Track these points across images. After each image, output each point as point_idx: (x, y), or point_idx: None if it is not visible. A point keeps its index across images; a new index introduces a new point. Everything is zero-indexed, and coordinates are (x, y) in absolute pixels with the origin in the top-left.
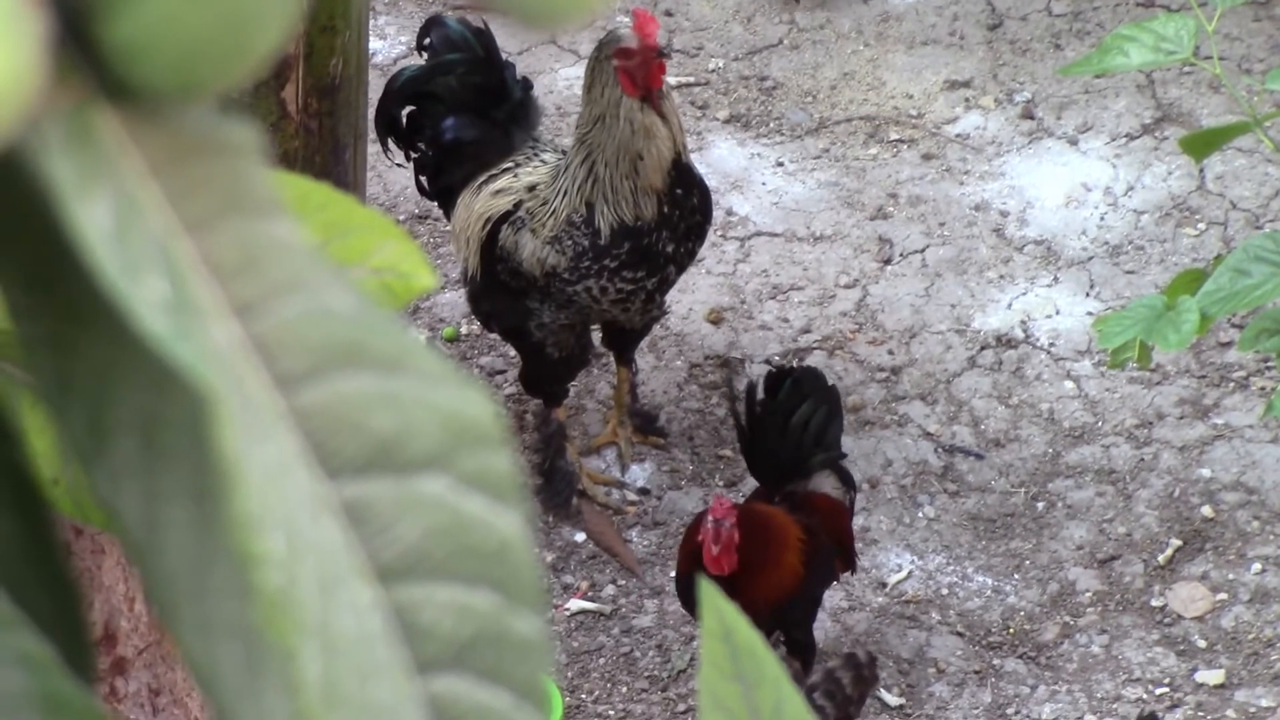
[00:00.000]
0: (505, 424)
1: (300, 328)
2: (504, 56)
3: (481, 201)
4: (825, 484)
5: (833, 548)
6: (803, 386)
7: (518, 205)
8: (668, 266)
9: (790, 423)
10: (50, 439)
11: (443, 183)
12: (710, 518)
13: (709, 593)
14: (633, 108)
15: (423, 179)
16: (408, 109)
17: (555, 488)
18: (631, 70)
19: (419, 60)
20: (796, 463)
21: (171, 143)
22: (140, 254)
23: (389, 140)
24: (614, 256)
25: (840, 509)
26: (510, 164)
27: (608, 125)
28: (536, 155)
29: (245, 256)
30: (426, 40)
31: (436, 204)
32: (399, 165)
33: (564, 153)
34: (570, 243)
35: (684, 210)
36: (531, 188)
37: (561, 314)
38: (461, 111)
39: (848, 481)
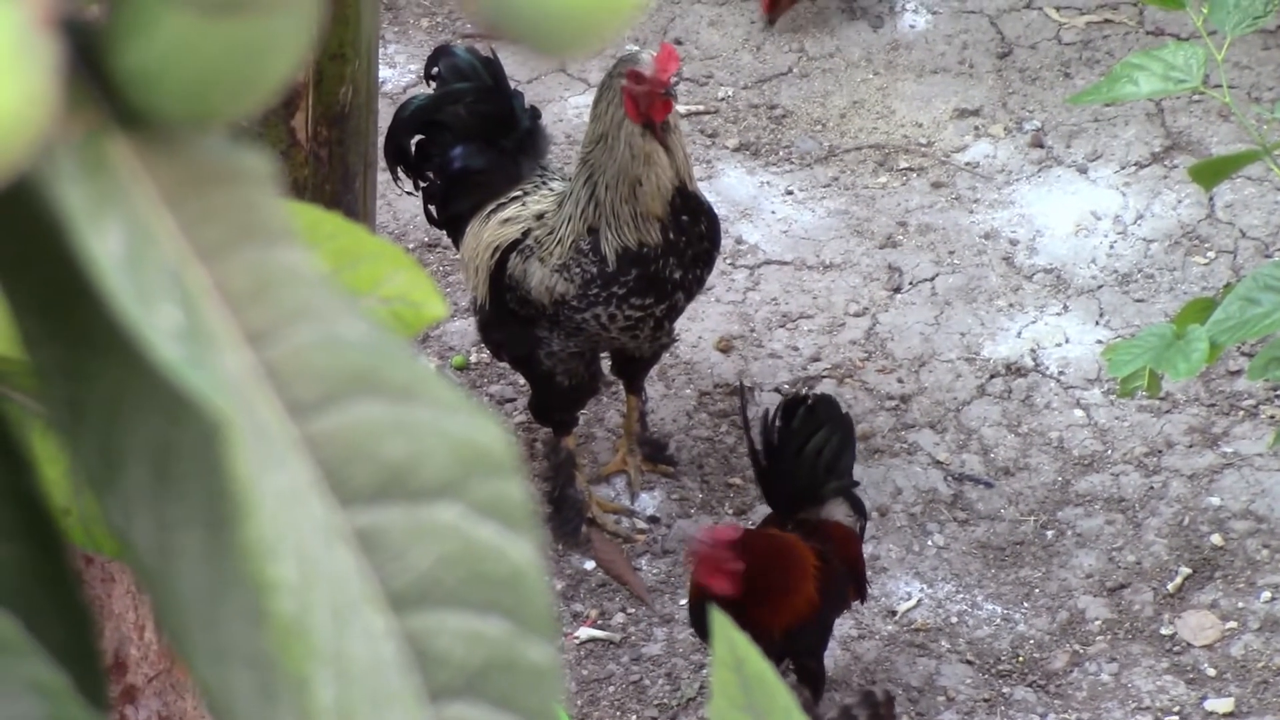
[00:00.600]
0: (516, 452)
1: (312, 355)
2: (513, 85)
3: (490, 230)
4: (838, 511)
5: (847, 575)
6: (818, 413)
7: (526, 234)
8: (676, 293)
9: (805, 450)
10: (61, 468)
11: (451, 211)
12: (697, 538)
13: (720, 622)
14: (634, 132)
15: (431, 208)
16: (416, 138)
17: (564, 516)
18: (637, 96)
19: (428, 89)
20: (810, 490)
21: (184, 170)
22: (153, 282)
23: (398, 169)
24: (622, 284)
25: (852, 537)
26: (518, 192)
27: (609, 145)
28: (545, 184)
29: (257, 284)
30: (435, 69)
31: (445, 232)
32: (408, 194)
33: (567, 179)
34: (578, 270)
35: (690, 237)
36: (539, 216)
37: (571, 342)
38: (470, 140)
39: (859, 509)
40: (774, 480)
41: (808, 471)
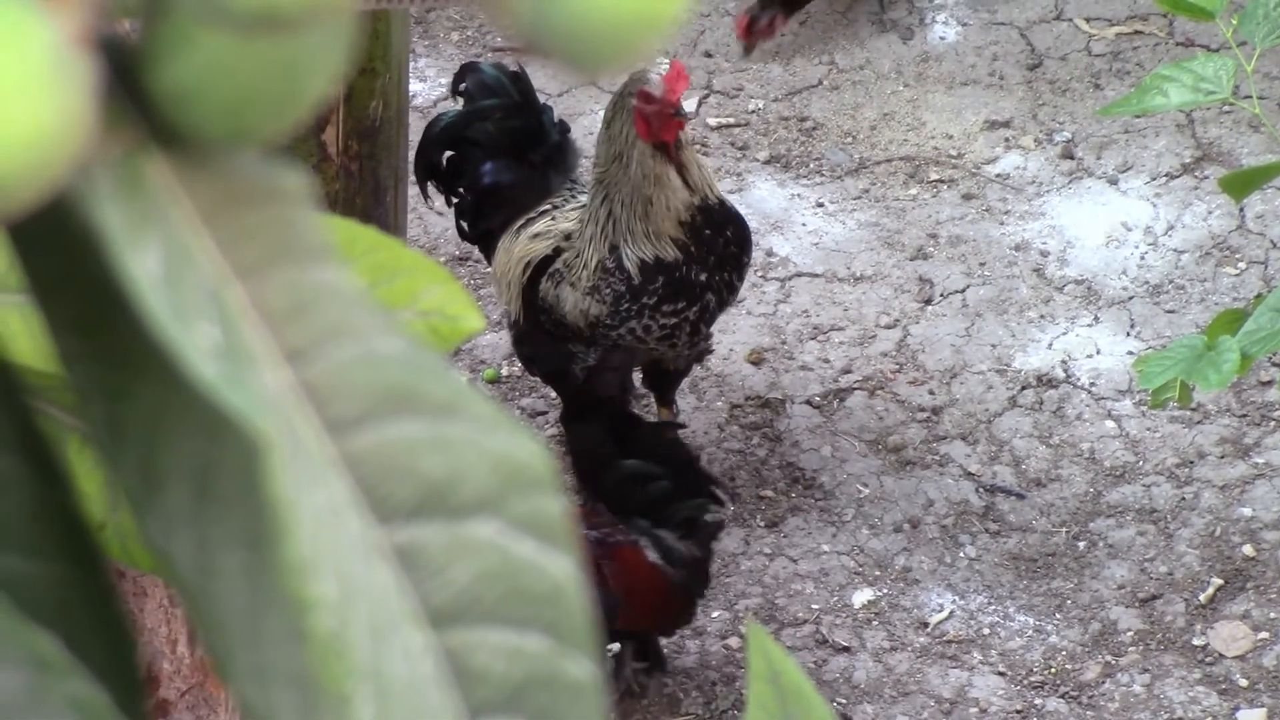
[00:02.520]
0: (553, 468)
1: (351, 373)
2: (542, 99)
3: (520, 245)
4: (650, 550)
5: (615, 601)
6: (651, 444)
7: (556, 252)
8: (705, 295)
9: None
10: (97, 483)
11: (482, 227)
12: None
13: (756, 633)
14: (645, 152)
15: (463, 223)
16: (447, 154)
17: None
18: (647, 116)
19: (456, 105)
20: (621, 510)
21: (221, 189)
22: (191, 300)
23: (429, 185)
24: (650, 293)
25: (646, 571)
26: (548, 206)
27: (624, 164)
28: (574, 197)
29: (296, 302)
30: (462, 86)
31: (477, 248)
32: (438, 212)
33: None
34: (608, 290)
35: (713, 247)
36: (568, 236)
37: (608, 357)
38: (499, 156)
39: (671, 559)
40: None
41: (617, 491)
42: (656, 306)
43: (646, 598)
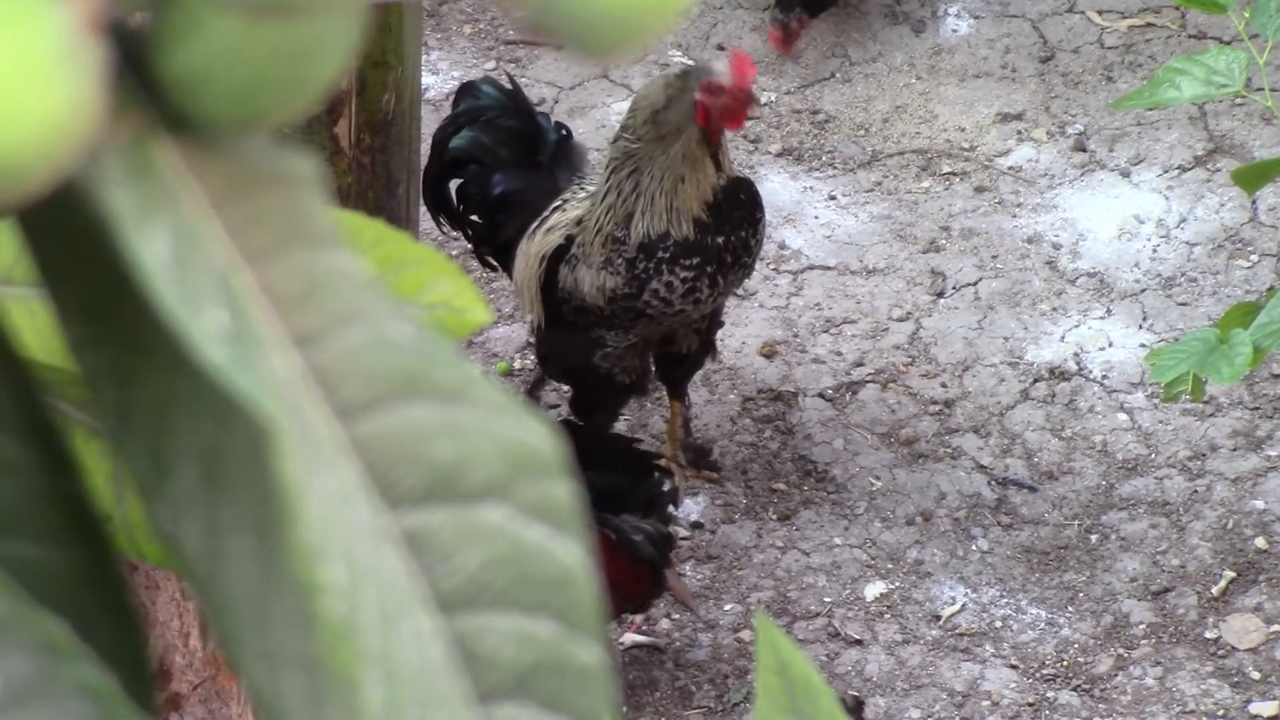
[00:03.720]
0: (564, 453)
1: (360, 358)
2: (552, 94)
3: (536, 243)
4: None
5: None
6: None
7: (569, 240)
8: (722, 254)
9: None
10: (104, 476)
11: (500, 240)
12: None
13: (765, 626)
14: (693, 138)
15: (485, 254)
16: (455, 182)
17: None
18: (713, 107)
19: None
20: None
21: (230, 174)
22: (200, 285)
23: (440, 218)
24: (664, 248)
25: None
26: (559, 202)
27: (665, 144)
28: (582, 189)
29: (305, 287)
30: (462, 106)
31: (501, 269)
32: (453, 238)
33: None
34: (620, 260)
35: (727, 216)
36: (579, 221)
37: (629, 334)
38: (504, 165)
39: (638, 541)
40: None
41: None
42: (674, 260)
43: (617, 579)
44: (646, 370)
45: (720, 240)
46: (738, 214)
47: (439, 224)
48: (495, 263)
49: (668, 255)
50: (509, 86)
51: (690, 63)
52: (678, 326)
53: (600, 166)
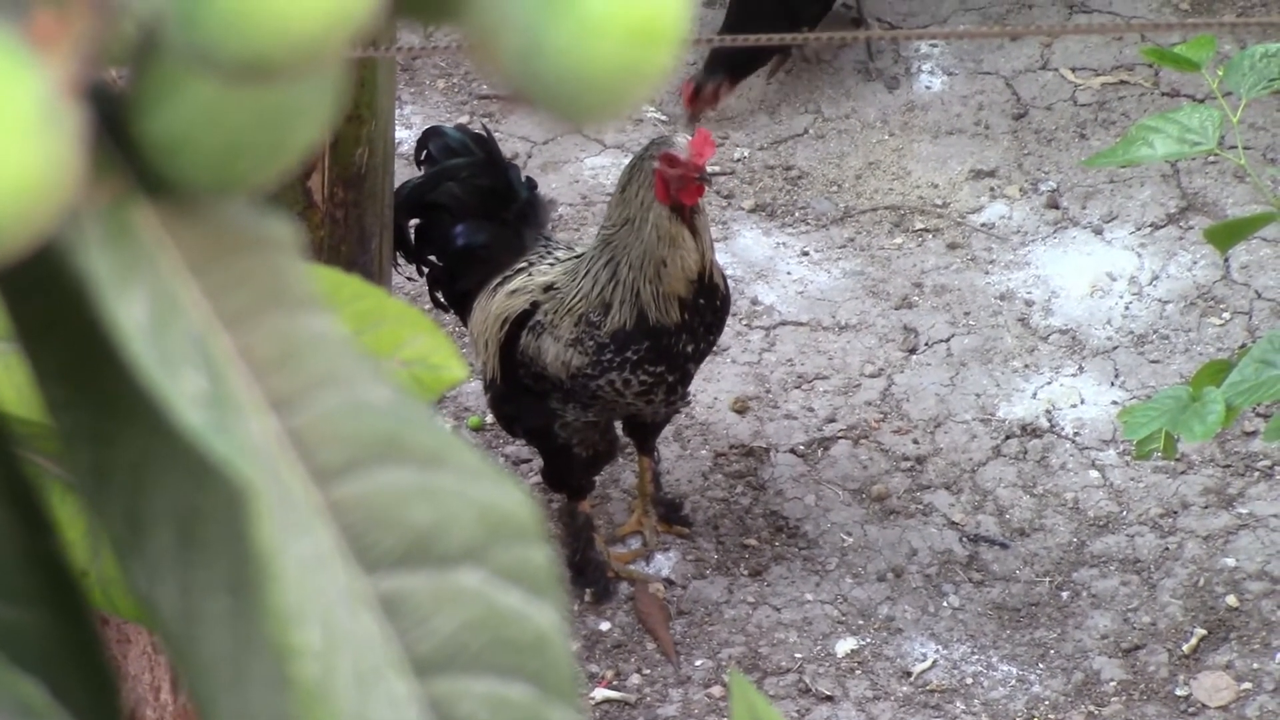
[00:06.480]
0: (539, 517)
1: (337, 421)
2: (525, 148)
3: (497, 303)
4: None
5: None
6: None
7: (534, 306)
8: (688, 364)
9: None
10: (79, 531)
11: (458, 289)
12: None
13: (739, 682)
14: (661, 214)
15: (438, 293)
16: (414, 221)
17: (590, 578)
18: (669, 179)
19: (419, 172)
20: None
21: (209, 237)
22: (178, 348)
23: (397, 254)
24: (634, 350)
25: None
26: (523, 264)
27: (636, 228)
28: (550, 253)
29: (282, 351)
30: (425, 152)
31: (453, 312)
32: (409, 278)
33: (572, 248)
34: (591, 342)
35: (704, 315)
36: (547, 288)
37: (587, 412)
38: (469, 217)
39: None
40: None
41: None
42: (639, 364)
43: None
44: (612, 441)
45: (690, 349)
46: (716, 319)
47: (393, 261)
48: (449, 305)
49: (636, 358)
50: (484, 136)
51: (663, 117)
52: (640, 408)
53: (566, 224)
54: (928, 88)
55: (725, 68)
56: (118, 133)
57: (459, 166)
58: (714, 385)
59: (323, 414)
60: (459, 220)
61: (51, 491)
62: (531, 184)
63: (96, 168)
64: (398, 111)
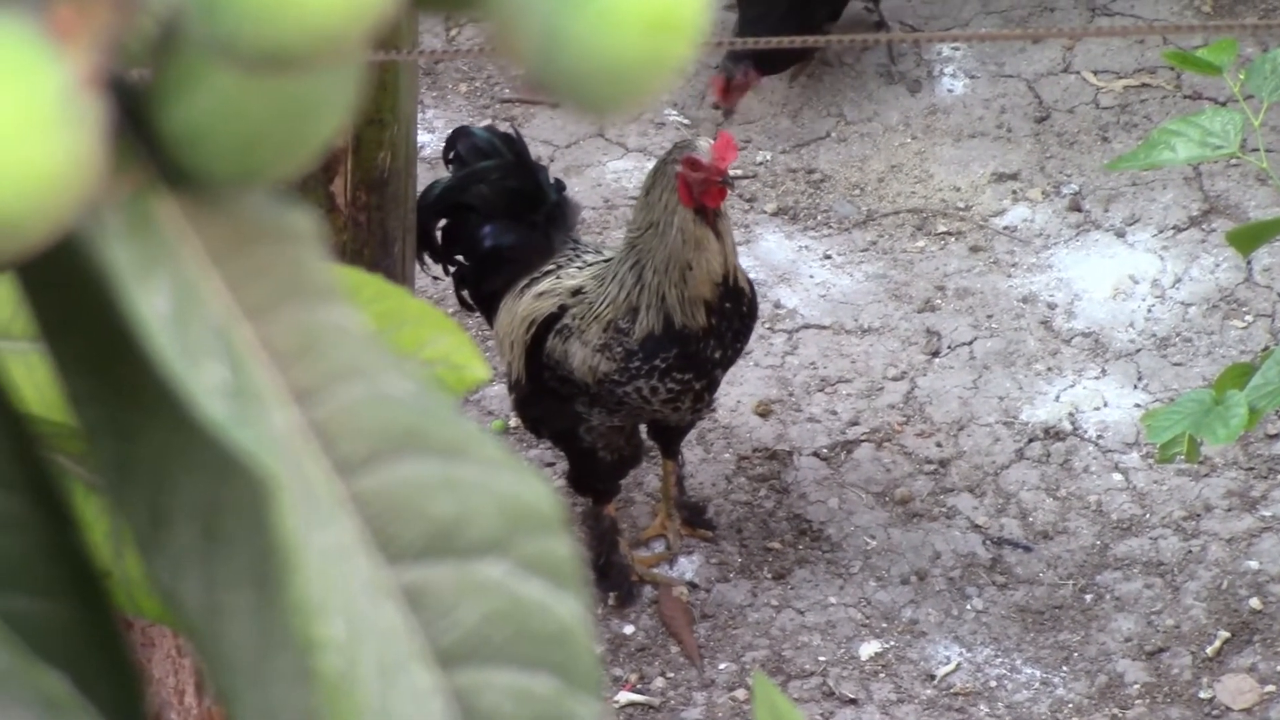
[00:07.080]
0: (562, 510)
1: (360, 413)
2: (548, 151)
3: (525, 305)
4: None
5: None
6: None
7: (562, 309)
8: (715, 370)
9: None
10: (102, 531)
11: (484, 290)
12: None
13: (763, 685)
14: (686, 217)
15: (463, 292)
16: (441, 222)
17: (613, 582)
18: (692, 182)
19: (447, 172)
20: None
21: (230, 229)
22: (199, 340)
23: (424, 254)
24: (662, 359)
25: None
26: (552, 266)
27: (660, 232)
28: (578, 256)
29: (304, 342)
30: (453, 152)
31: (479, 312)
32: (435, 278)
33: (600, 251)
34: (620, 348)
35: (731, 320)
36: (575, 292)
37: (613, 416)
38: (497, 218)
39: None
40: None
41: None
42: (666, 372)
43: None
44: (637, 446)
45: (719, 355)
46: (744, 325)
47: (420, 261)
48: (475, 306)
49: (664, 365)
50: (513, 136)
51: (685, 120)
52: (666, 415)
53: (588, 228)
54: (950, 91)
55: (750, 56)
56: (139, 125)
57: (489, 169)
58: (737, 389)
59: (345, 406)
60: (487, 221)
61: (74, 492)
62: (560, 186)
63: (117, 160)
64: (420, 115)
